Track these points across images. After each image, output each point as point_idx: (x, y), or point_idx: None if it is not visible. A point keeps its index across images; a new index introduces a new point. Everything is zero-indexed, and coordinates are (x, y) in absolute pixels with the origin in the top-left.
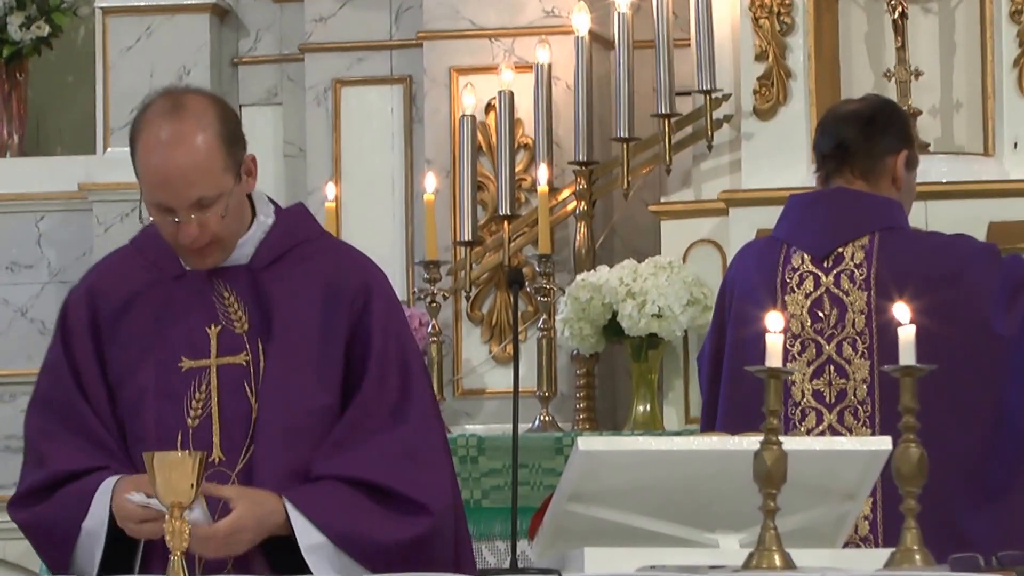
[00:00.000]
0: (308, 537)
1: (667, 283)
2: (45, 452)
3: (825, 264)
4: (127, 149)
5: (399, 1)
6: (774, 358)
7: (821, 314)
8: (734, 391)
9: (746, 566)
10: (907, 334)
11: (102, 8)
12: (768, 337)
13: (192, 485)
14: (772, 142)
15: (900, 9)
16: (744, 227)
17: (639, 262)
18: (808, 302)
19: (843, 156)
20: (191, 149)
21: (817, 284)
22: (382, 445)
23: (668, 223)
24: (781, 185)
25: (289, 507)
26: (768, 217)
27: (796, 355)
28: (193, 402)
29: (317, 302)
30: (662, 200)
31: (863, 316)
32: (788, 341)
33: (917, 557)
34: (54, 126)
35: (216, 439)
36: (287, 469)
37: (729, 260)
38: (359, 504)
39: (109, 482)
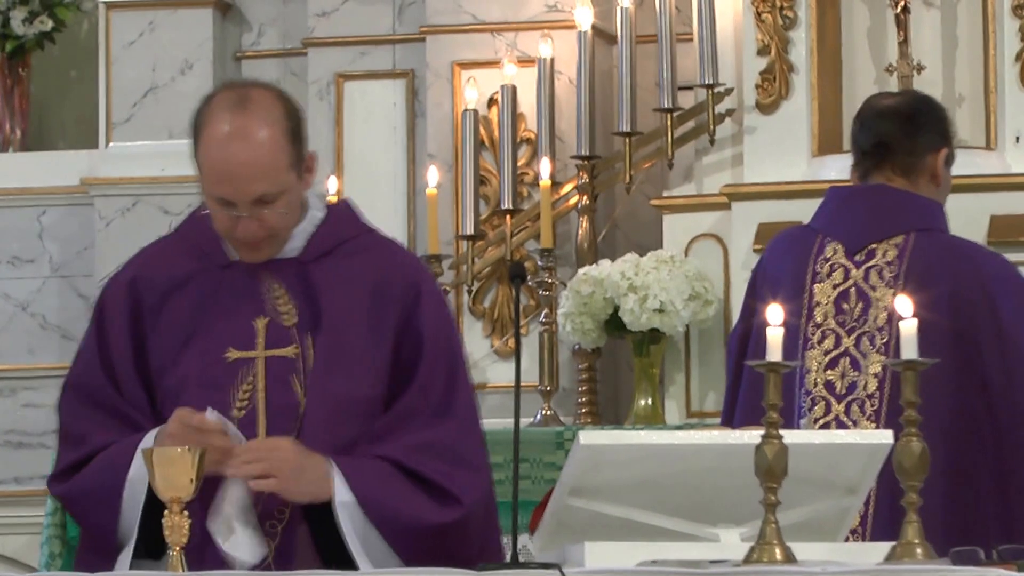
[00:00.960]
0: (340, 494)
1: (669, 277)
2: (83, 432)
3: (857, 258)
4: (129, 144)
5: None
6: (774, 352)
7: (845, 306)
8: (751, 380)
9: (747, 560)
10: (909, 328)
11: (105, 2)
12: (768, 331)
13: (191, 480)
14: (774, 136)
15: (902, 3)
16: (746, 221)
17: (641, 256)
18: (835, 293)
19: (884, 153)
20: (257, 144)
21: (847, 276)
22: (422, 437)
23: (670, 217)
24: (783, 179)
25: (332, 465)
26: (770, 211)
27: (816, 344)
28: (239, 393)
29: (366, 296)
30: (664, 194)
31: (886, 313)
32: (809, 329)
33: (918, 551)
34: (56, 120)
35: (262, 431)
36: None
37: (731, 254)
38: (394, 479)
39: (151, 434)
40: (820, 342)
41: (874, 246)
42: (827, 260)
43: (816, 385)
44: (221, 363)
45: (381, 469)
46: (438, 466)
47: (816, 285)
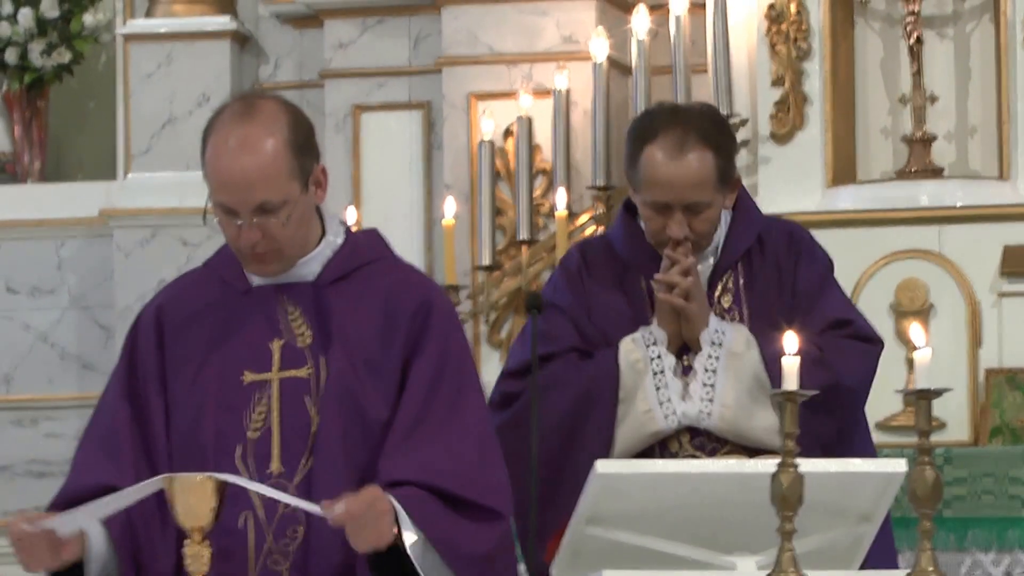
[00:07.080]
0: (408, 537)
1: None
2: (72, 465)
3: None
4: (147, 175)
5: (418, 28)
6: (790, 381)
7: None
8: None
9: None
10: (923, 357)
11: (123, 35)
12: (784, 360)
13: (212, 509)
14: (789, 166)
15: (916, 35)
16: None
17: None
18: None
19: None
20: (257, 152)
21: None
22: (446, 449)
23: None
24: (797, 209)
25: (394, 501)
26: None
27: None
28: (253, 415)
29: (377, 318)
30: None
31: None
32: None
33: None
34: (75, 152)
35: (276, 451)
36: (346, 482)
37: None
38: (442, 512)
39: None
40: None
41: None
42: None
43: None
44: (238, 386)
45: (427, 500)
46: (472, 481)
47: None
